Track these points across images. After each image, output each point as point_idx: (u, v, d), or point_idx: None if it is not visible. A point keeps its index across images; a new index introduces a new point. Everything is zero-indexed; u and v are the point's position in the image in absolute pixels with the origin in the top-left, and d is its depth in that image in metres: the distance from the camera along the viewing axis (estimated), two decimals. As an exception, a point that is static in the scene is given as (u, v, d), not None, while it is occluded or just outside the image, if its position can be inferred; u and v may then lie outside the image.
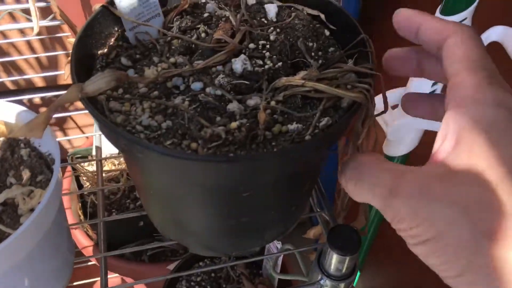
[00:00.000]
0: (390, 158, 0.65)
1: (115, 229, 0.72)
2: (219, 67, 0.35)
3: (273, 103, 0.33)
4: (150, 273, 0.86)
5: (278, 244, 0.62)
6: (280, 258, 0.65)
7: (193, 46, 0.38)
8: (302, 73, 0.34)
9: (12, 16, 0.90)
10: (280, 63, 0.35)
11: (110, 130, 0.30)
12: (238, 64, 0.35)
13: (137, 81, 0.34)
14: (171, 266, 0.82)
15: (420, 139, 0.64)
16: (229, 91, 0.33)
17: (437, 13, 0.47)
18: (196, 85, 0.34)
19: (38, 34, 0.68)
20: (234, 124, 0.31)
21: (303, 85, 0.33)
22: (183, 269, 0.78)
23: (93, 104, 0.31)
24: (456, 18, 0.46)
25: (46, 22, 0.74)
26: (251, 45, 0.37)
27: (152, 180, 0.36)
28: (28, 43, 0.98)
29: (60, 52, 0.99)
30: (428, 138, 0.64)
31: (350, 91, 0.31)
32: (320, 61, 0.36)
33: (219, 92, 0.33)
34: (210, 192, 0.34)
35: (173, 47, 0.38)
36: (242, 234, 0.40)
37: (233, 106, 0.32)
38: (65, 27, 0.93)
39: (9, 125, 0.40)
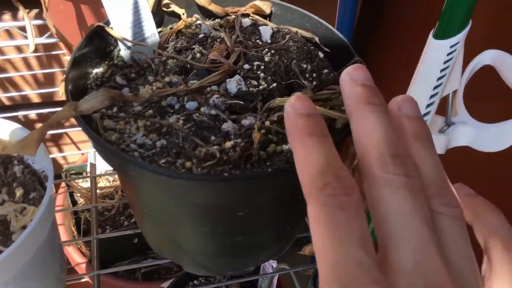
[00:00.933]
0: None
1: (109, 246, 0.71)
2: (214, 87, 0.36)
3: (267, 123, 0.33)
4: (144, 291, 0.85)
5: (274, 263, 0.62)
6: (276, 277, 0.65)
7: (188, 66, 0.38)
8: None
9: (9, 33, 0.91)
10: (274, 84, 0.36)
11: (104, 148, 0.30)
12: (233, 84, 0.35)
13: (131, 99, 0.34)
14: (165, 285, 0.81)
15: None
16: (224, 111, 0.33)
17: (430, 37, 0.47)
18: (191, 105, 0.34)
19: (35, 51, 0.69)
20: (228, 144, 0.31)
21: (297, 105, 0.33)
22: (177, 288, 0.78)
23: (88, 122, 0.31)
24: (449, 42, 0.46)
25: (42, 40, 0.74)
26: (246, 66, 0.37)
27: (146, 199, 0.36)
28: (25, 59, 0.98)
29: (56, 69, 0.99)
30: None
31: (344, 113, 0.32)
32: (314, 83, 0.37)
33: (213, 111, 0.33)
34: (205, 211, 0.34)
35: (168, 67, 0.38)
36: (237, 254, 0.40)
37: (228, 125, 0.32)
38: (62, 44, 0.93)
39: (2, 141, 0.40)
